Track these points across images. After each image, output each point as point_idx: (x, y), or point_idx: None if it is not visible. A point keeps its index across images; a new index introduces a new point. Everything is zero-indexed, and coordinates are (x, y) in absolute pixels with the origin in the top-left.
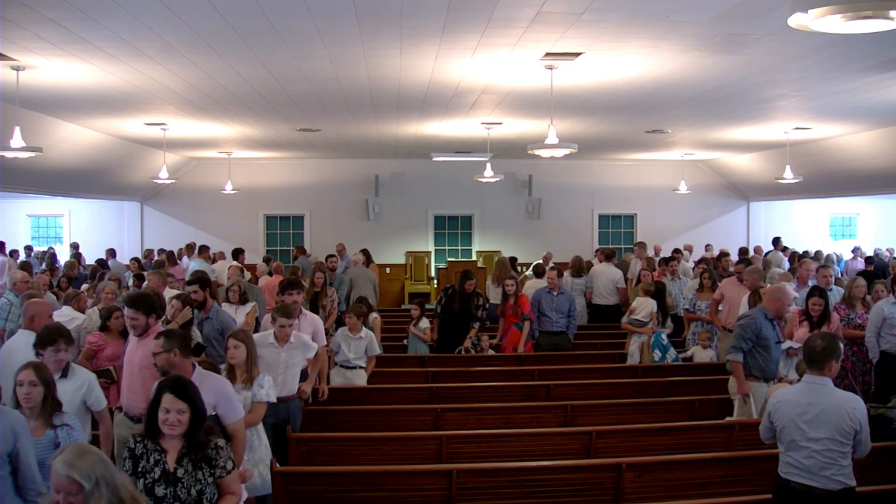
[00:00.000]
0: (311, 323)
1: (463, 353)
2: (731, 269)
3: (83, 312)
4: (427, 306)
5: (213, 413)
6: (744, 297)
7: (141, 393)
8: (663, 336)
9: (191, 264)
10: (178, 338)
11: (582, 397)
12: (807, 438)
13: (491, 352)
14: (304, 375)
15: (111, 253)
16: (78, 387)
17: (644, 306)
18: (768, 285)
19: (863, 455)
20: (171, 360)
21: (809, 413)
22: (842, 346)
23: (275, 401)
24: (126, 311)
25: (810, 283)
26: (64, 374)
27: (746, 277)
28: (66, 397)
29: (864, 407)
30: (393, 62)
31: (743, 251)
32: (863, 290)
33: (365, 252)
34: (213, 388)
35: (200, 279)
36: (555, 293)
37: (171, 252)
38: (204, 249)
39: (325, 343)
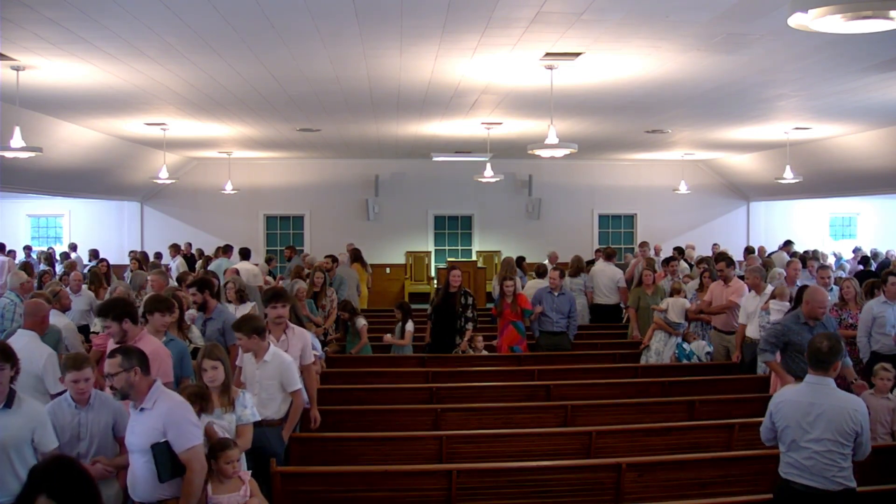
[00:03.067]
0: (300, 338)
1: (460, 353)
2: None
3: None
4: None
5: (163, 440)
6: (728, 297)
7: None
8: (685, 345)
9: (174, 265)
10: (137, 355)
11: (582, 397)
12: (808, 439)
13: (484, 352)
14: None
15: (94, 254)
16: (24, 423)
17: (675, 305)
18: (769, 285)
19: (863, 457)
20: (130, 381)
21: (811, 414)
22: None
23: (259, 419)
24: (101, 321)
25: (799, 283)
26: (7, 405)
27: (748, 276)
28: (7, 431)
29: (865, 409)
30: (393, 62)
31: (749, 250)
32: (852, 291)
33: (354, 251)
34: (165, 411)
35: (199, 282)
36: (556, 293)
37: (145, 253)
38: (228, 250)
39: (313, 361)
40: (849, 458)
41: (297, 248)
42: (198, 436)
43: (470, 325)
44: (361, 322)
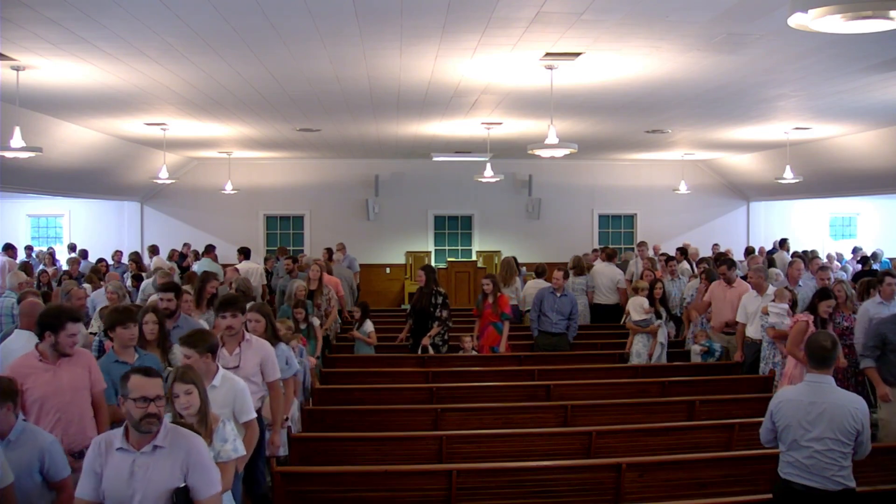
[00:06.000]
0: (257, 351)
1: (421, 351)
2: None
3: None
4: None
5: (183, 485)
6: (733, 299)
7: (82, 422)
8: (715, 347)
9: (194, 265)
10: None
11: (582, 397)
12: (809, 438)
13: (474, 352)
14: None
15: (83, 254)
16: (25, 453)
17: (633, 305)
18: (771, 286)
19: (863, 456)
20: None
21: (812, 413)
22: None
23: (244, 454)
24: (74, 325)
25: (801, 284)
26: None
27: (751, 276)
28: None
29: (866, 407)
30: (393, 62)
31: (749, 250)
32: (843, 294)
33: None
34: (186, 450)
35: (176, 287)
36: (558, 294)
37: (137, 253)
38: (210, 249)
39: (279, 377)
40: (849, 458)
41: (288, 248)
42: (218, 481)
43: (435, 324)
44: (314, 322)
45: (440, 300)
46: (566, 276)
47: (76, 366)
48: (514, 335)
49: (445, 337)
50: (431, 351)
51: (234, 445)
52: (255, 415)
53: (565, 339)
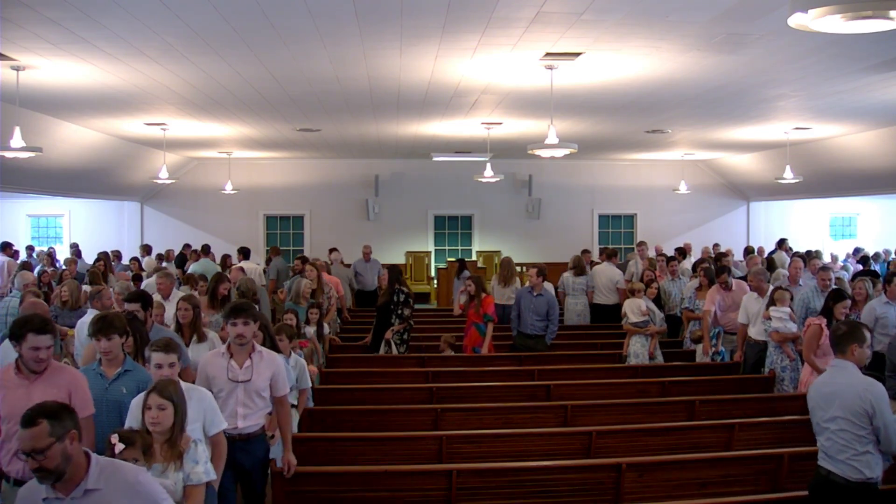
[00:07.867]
0: (268, 364)
1: (384, 346)
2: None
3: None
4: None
5: None
6: (735, 300)
7: None
8: (722, 349)
9: (191, 266)
10: (69, 412)
11: (582, 397)
12: (826, 419)
13: (450, 351)
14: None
15: (77, 253)
16: None
17: (630, 307)
18: (772, 286)
19: (889, 448)
20: (68, 452)
21: (828, 394)
22: (867, 333)
23: (216, 478)
24: (37, 338)
25: (801, 283)
26: None
27: (752, 280)
28: None
29: (880, 391)
30: (393, 62)
31: (748, 250)
32: (864, 292)
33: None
34: (128, 490)
35: (142, 296)
36: (535, 294)
37: (107, 254)
38: (207, 250)
39: (288, 391)
40: (867, 443)
41: (280, 248)
42: None
43: (396, 321)
44: (325, 329)
45: (402, 298)
46: (540, 275)
47: (52, 386)
48: (505, 335)
49: (405, 336)
50: (394, 348)
51: (206, 468)
52: (224, 425)
53: (542, 342)
